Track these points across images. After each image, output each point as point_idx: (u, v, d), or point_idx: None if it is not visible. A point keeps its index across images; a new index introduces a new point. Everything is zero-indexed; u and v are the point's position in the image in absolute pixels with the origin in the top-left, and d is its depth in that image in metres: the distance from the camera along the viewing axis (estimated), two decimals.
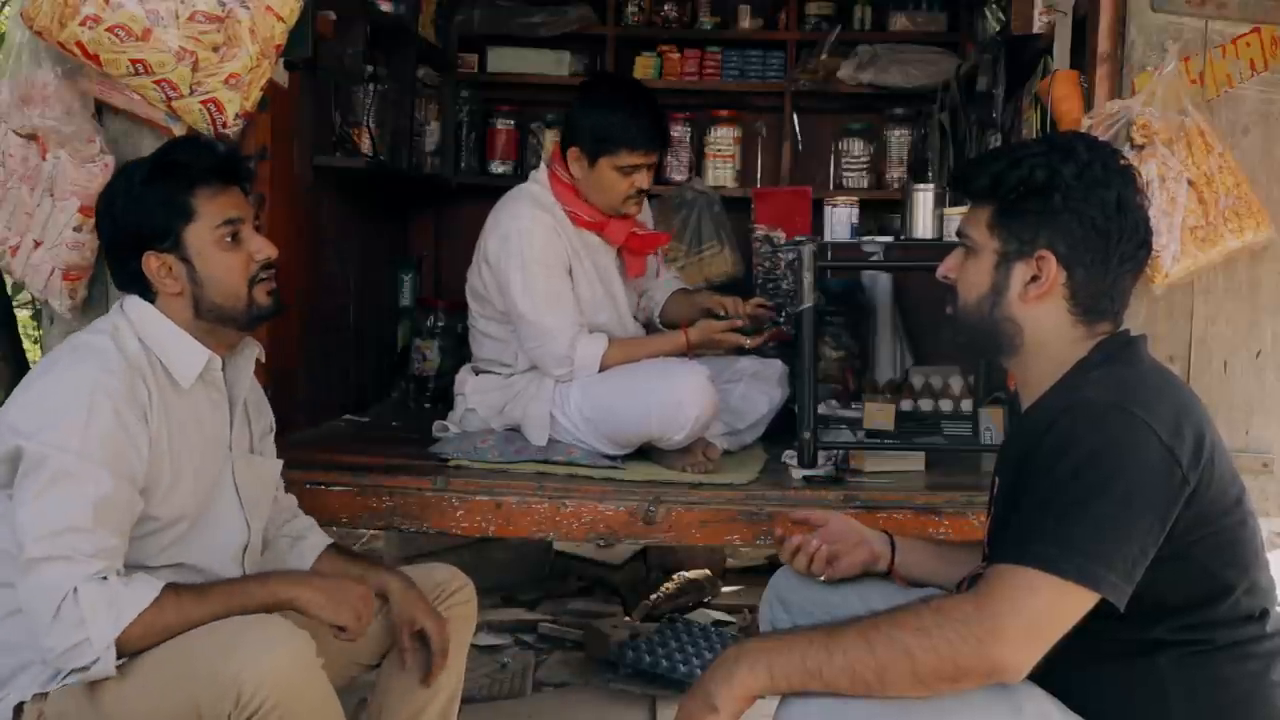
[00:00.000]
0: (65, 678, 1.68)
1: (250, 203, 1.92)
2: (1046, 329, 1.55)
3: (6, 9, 4.64)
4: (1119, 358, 1.51)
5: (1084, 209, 1.50)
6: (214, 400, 1.90)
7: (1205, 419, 1.46)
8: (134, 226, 1.81)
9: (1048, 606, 1.33)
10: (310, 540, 2.09)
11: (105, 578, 1.64)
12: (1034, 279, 1.53)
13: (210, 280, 1.83)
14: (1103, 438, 1.37)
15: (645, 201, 3.09)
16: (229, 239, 1.84)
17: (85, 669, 1.63)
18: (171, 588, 1.70)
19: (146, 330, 1.83)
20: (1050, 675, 1.42)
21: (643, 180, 2.81)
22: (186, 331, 1.84)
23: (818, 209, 3.85)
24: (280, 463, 2.07)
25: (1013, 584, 1.34)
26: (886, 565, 1.85)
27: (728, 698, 1.41)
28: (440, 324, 3.79)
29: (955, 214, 2.50)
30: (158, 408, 1.78)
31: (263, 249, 1.87)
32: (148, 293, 1.85)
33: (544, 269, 2.76)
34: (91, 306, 2.30)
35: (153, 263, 1.81)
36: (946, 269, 1.64)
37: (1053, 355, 1.55)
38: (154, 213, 1.81)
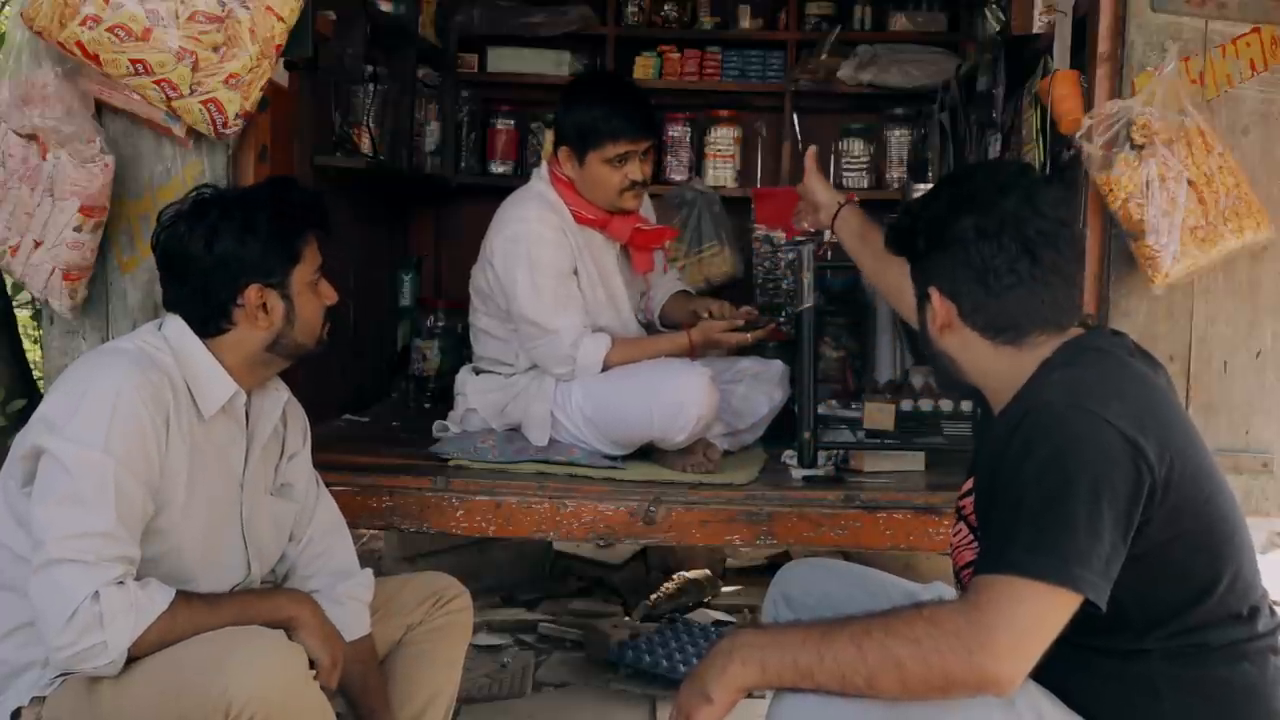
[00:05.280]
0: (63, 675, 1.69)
1: None
2: (975, 355, 1.61)
3: (6, 9, 4.64)
4: (1080, 360, 1.52)
5: (944, 245, 1.58)
6: (232, 434, 1.91)
7: (1170, 417, 1.47)
8: (248, 258, 1.85)
9: (1034, 614, 1.34)
10: (347, 612, 1.98)
11: (122, 582, 1.64)
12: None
13: (301, 319, 1.91)
14: (1063, 437, 1.39)
15: (647, 199, 3.09)
16: (315, 283, 1.94)
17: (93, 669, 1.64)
18: (183, 595, 1.71)
19: (181, 353, 1.85)
20: (1045, 681, 1.43)
21: (635, 171, 2.79)
22: (233, 364, 1.87)
23: None
24: (295, 507, 2.05)
25: (998, 595, 1.35)
26: (828, 223, 2.33)
27: (721, 689, 1.44)
28: (440, 324, 3.79)
29: None
30: (182, 423, 1.79)
31: (331, 295, 1.98)
32: (220, 321, 1.86)
33: (551, 270, 2.76)
34: (91, 306, 2.30)
35: (253, 296, 1.85)
36: None
37: (999, 374, 1.59)
38: (274, 250, 1.87)
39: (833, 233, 2.35)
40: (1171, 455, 1.40)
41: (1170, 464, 1.40)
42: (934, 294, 1.61)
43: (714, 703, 1.44)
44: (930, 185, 2.75)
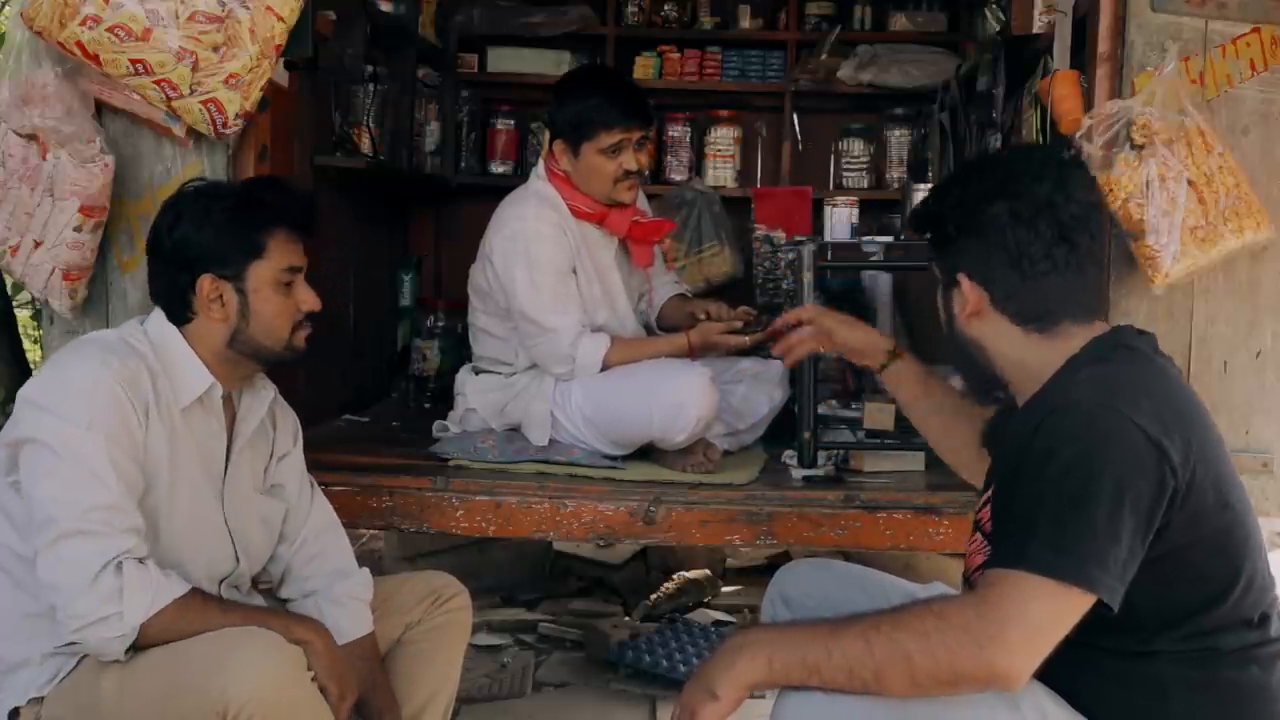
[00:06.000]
0: (67, 671, 1.69)
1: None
2: (1004, 344, 1.60)
3: (6, 9, 4.64)
4: (1110, 356, 1.51)
5: (975, 230, 1.56)
6: (212, 429, 1.90)
7: (1196, 419, 1.46)
8: (201, 248, 1.83)
9: (1047, 611, 1.33)
10: (348, 612, 1.98)
11: (142, 560, 1.66)
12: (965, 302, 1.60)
13: (259, 318, 1.86)
14: (1089, 437, 1.38)
15: (645, 199, 3.09)
16: (284, 284, 1.88)
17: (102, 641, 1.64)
18: (199, 592, 1.72)
19: (159, 344, 1.84)
20: (1051, 681, 1.42)
21: (630, 161, 2.79)
22: (206, 358, 1.86)
23: (818, 209, 3.86)
24: (284, 507, 2.03)
25: (1011, 590, 1.34)
26: (874, 367, 2.01)
27: (728, 686, 1.43)
28: (440, 324, 3.79)
29: None
30: (161, 411, 1.79)
31: (309, 301, 1.92)
32: (183, 311, 1.86)
33: (550, 268, 2.76)
34: (91, 306, 2.30)
35: (206, 285, 1.83)
36: None
37: (1026, 364, 1.58)
38: (227, 240, 1.84)
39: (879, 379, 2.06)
40: (1195, 459, 1.40)
41: (1193, 468, 1.39)
42: (964, 280, 1.59)
43: (719, 699, 1.43)
44: (930, 185, 2.76)
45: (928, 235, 1.67)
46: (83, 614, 1.63)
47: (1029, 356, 1.57)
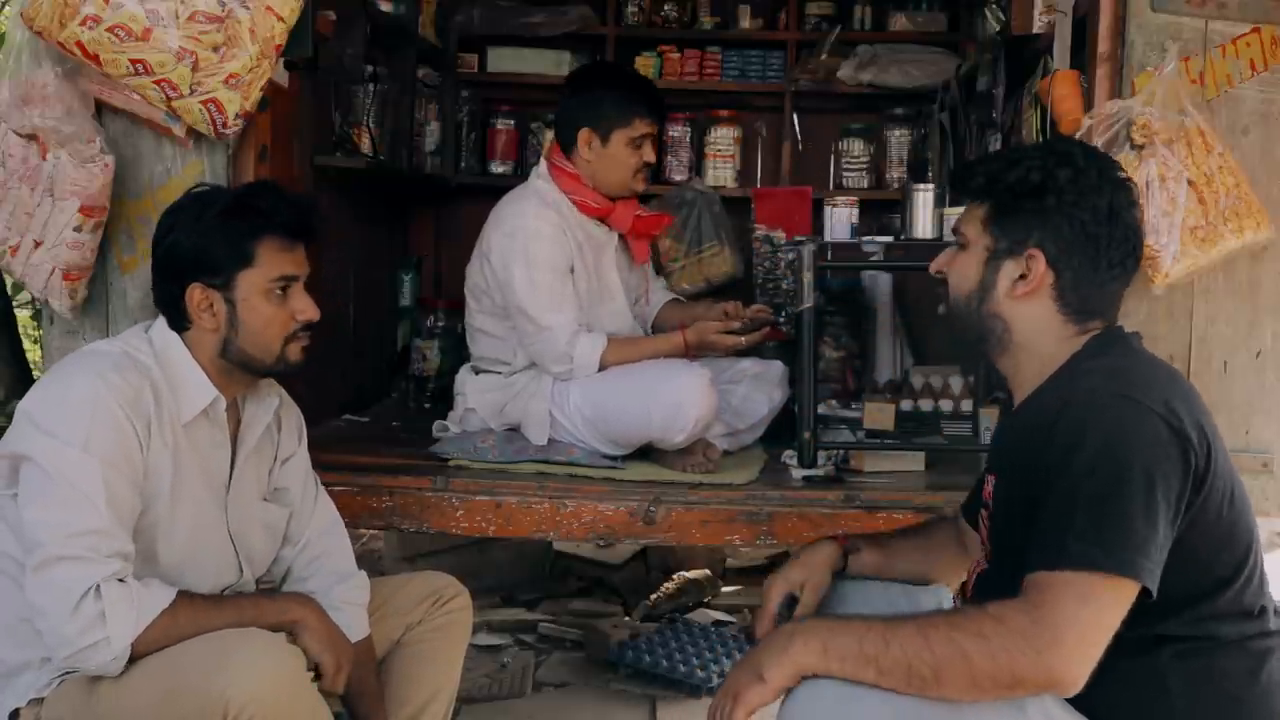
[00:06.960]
0: (67, 673, 1.69)
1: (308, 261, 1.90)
2: (1035, 327, 1.58)
3: (6, 9, 4.64)
4: (1113, 350, 1.53)
5: (1075, 213, 1.54)
6: (216, 440, 1.89)
7: (1203, 409, 1.48)
8: (190, 255, 1.81)
9: (1100, 608, 1.34)
10: (344, 617, 1.94)
11: (123, 580, 1.65)
12: (1022, 277, 1.57)
13: (247, 328, 1.83)
14: (1112, 427, 1.39)
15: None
16: (278, 292, 1.84)
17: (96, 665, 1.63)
18: (185, 594, 1.71)
19: (162, 355, 1.83)
20: None
21: (649, 153, 2.87)
22: (206, 366, 1.84)
23: (818, 209, 3.85)
24: (288, 512, 2.02)
25: (1063, 592, 1.34)
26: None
27: (778, 669, 1.42)
28: (440, 324, 3.79)
29: (955, 214, 2.50)
30: (163, 425, 1.78)
31: (306, 310, 1.87)
32: (180, 319, 1.84)
33: (548, 267, 2.76)
34: (91, 307, 2.30)
35: (196, 295, 1.81)
36: (938, 265, 1.69)
37: (1042, 353, 1.58)
38: (215, 248, 1.81)
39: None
40: (1208, 446, 1.42)
41: (1208, 454, 1.42)
42: (1039, 256, 1.56)
43: (766, 682, 1.42)
44: (930, 185, 2.76)
45: (1008, 196, 1.58)
46: (69, 641, 1.62)
47: (1049, 346, 1.58)
